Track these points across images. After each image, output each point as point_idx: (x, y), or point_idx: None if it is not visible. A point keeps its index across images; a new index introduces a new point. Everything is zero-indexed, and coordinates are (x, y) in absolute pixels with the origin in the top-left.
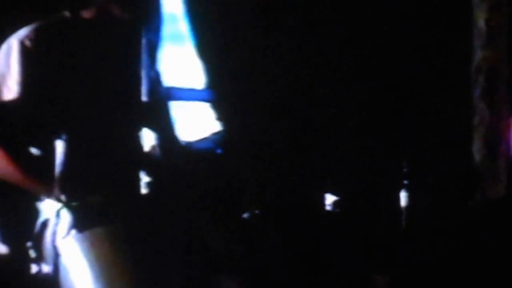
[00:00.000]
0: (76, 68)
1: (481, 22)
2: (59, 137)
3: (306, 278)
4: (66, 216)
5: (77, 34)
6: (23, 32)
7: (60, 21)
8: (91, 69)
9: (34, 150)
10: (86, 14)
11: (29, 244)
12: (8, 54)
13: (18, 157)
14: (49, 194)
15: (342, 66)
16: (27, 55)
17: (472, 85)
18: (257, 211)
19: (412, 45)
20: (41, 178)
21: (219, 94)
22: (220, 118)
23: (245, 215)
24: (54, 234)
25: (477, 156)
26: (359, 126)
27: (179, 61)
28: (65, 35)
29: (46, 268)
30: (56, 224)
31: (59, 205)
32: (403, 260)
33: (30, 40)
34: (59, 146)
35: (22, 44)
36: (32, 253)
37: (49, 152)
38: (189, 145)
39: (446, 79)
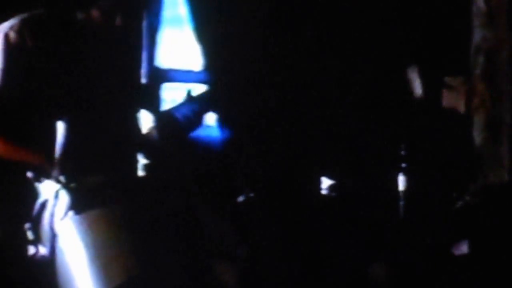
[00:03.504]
0: (64, 57)
1: (480, 1)
2: (52, 121)
3: (301, 263)
4: (64, 198)
5: (61, 26)
6: (7, 24)
7: (44, 14)
8: (81, 57)
9: (31, 133)
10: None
11: (27, 225)
12: None
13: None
14: (48, 175)
15: (339, 47)
16: (11, 46)
17: (471, 66)
18: (252, 194)
19: (410, 24)
20: (40, 158)
21: (216, 76)
22: (216, 100)
23: (240, 198)
24: (52, 215)
25: (477, 139)
26: (356, 108)
27: (178, 43)
28: (49, 28)
29: (44, 250)
30: (54, 206)
31: (58, 186)
32: (402, 246)
33: (15, 32)
34: (58, 128)
35: (6, 36)
36: (30, 235)
37: (48, 134)
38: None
39: (445, 59)
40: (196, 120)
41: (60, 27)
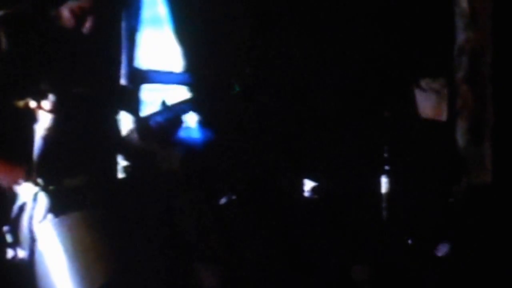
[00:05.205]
0: (37, 56)
1: (464, 3)
2: (29, 123)
3: (283, 266)
4: (43, 200)
5: (33, 24)
6: None
7: (16, 13)
8: (54, 56)
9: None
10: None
11: (5, 228)
12: None
13: None
14: (27, 178)
15: (321, 48)
16: None
17: (455, 68)
18: (233, 197)
19: (393, 26)
20: (19, 162)
21: (196, 77)
22: (197, 101)
23: (222, 201)
24: (31, 218)
25: (461, 141)
26: (339, 111)
27: (158, 44)
28: (21, 27)
29: (22, 253)
30: (33, 208)
31: (37, 189)
32: (384, 248)
33: None
34: (37, 130)
35: None
36: (9, 238)
37: (27, 136)
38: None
39: (428, 61)
40: (177, 122)
41: (32, 26)
